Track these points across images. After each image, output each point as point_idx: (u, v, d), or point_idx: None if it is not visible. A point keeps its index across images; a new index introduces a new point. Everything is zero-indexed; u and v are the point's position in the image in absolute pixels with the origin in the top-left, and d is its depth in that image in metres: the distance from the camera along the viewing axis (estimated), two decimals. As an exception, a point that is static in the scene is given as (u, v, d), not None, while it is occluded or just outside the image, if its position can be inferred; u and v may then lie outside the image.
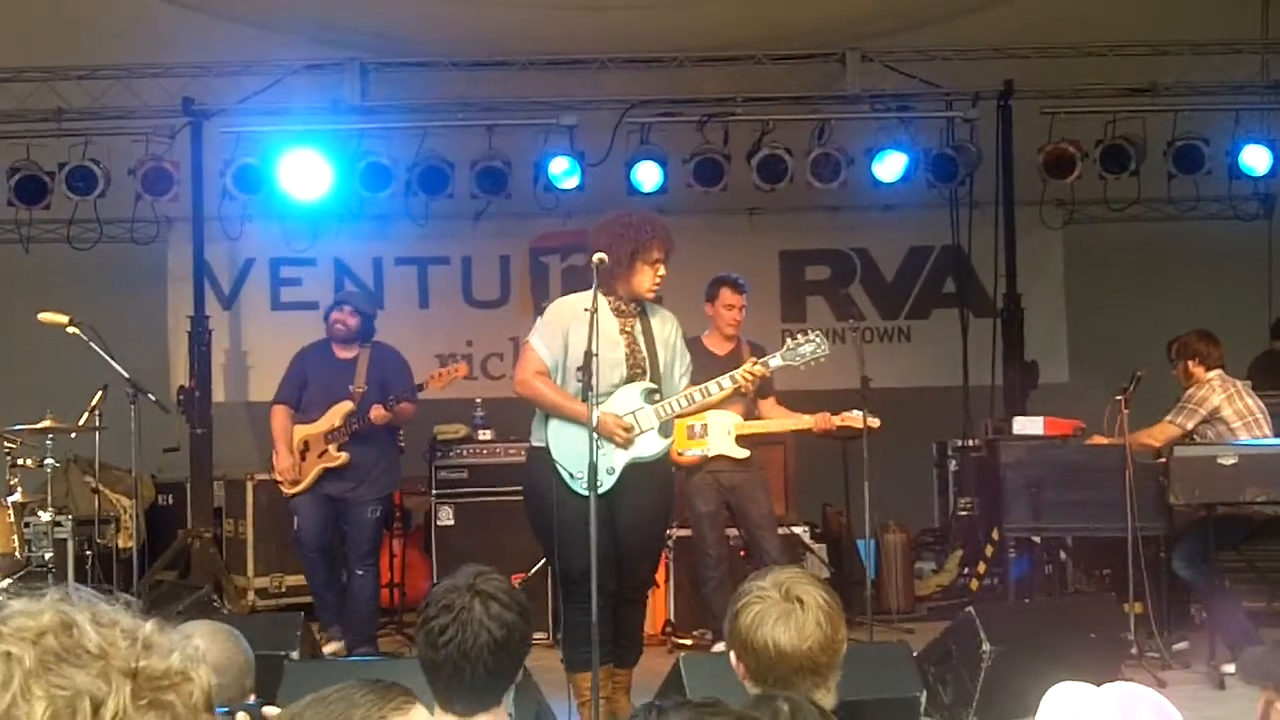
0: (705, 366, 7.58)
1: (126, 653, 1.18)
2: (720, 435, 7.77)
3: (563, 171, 9.54)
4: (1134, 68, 9.59)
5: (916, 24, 9.77)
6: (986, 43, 9.59)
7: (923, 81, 9.70)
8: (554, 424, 5.89)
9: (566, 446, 5.83)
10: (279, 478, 7.92)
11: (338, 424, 7.76)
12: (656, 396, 5.87)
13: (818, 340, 6.03)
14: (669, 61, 9.66)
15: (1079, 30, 9.59)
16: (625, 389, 5.83)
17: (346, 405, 7.78)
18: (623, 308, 5.85)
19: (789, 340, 6.12)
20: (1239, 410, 7.72)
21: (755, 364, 5.93)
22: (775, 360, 6.01)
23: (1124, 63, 9.59)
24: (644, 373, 5.86)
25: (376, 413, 7.66)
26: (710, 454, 7.77)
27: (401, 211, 10.08)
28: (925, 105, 9.85)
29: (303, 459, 7.84)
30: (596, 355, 5.44)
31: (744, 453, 7.74)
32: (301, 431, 7.87)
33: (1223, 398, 7.70)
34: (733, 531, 8.14)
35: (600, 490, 5.66)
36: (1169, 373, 8.06)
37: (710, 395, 5.96)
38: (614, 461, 5.75)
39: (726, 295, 7.82)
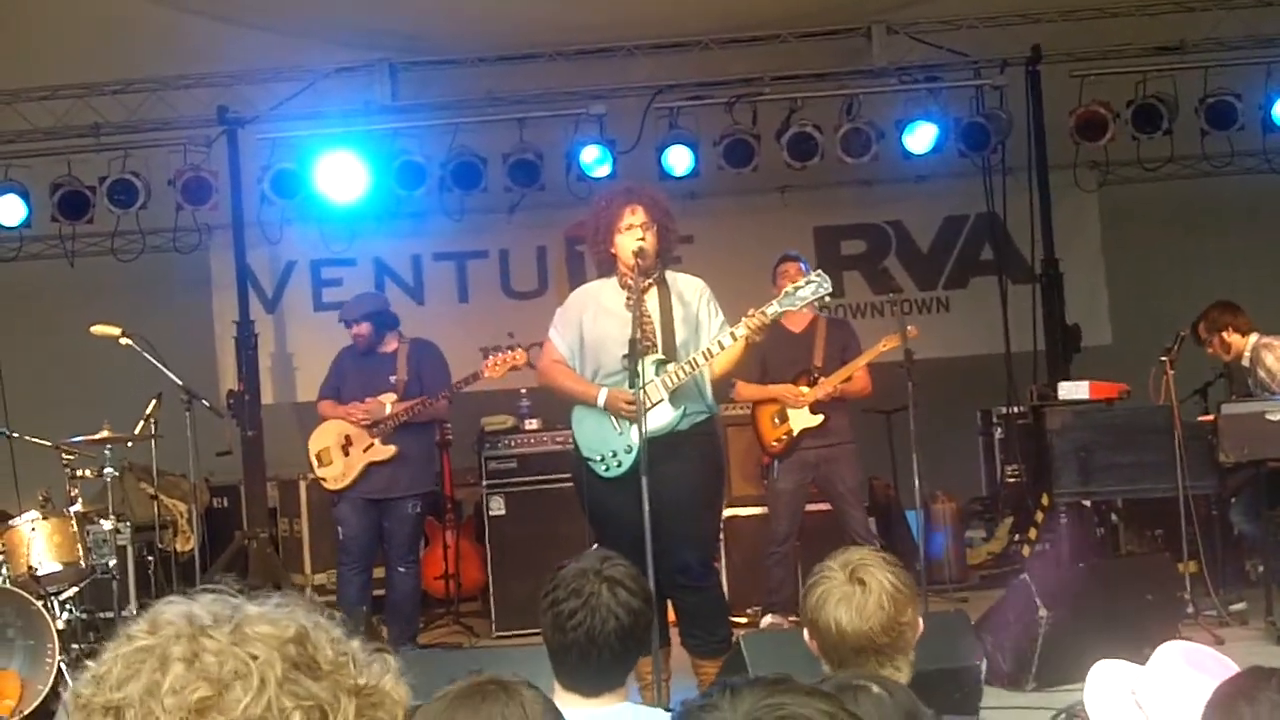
0: (781, 344, 7.73)
1: (352, 670, 1.19)
2: (798, 411, 7.87)
3: (594, 160, 9.58)
4: (1162, 26, 9.54)
5: (941, -8, 9.76)
6: (1012, 8, 9.55)
7: (949, 51, 9.67)
8: (576, 412, 5.93)
9: (586, 431, 5.88)
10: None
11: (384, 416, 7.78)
12: (668, 368, 5.74)
13: (818, 280, 5.69)
14: (695, 45, 9.68)
15: (1105, -9, 9.55)
16: (643, 363, 5.64)
17: (390, 397, 7.82)
18: (632, 283, 5.73)
19: (788, 285, 5.83)
20: None
21: (754, 314, 5.58)
22: (774, 307, 5.63)
23: (1152, 21, 9.53)
24: (654, 345, 5.76)
25: (389, 401, 7.72)
26: (795, 433, 7.87)
27: (437, 208, 10.16)
28: (953, 75, 9.83)
29: (345, 454, 7.86)
30: (638, 343, 5.51)
31: (818, 418, 7.83)
32: (341, 427, 7.90)
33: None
34: (816, 506, 8.20)
35: (620, 470, 5.72)
36: (1204, 346, 8.06)
37: (715, 355, 5.68)
38: (630, 439, 5.66)
39: (783, 269, 7.89)
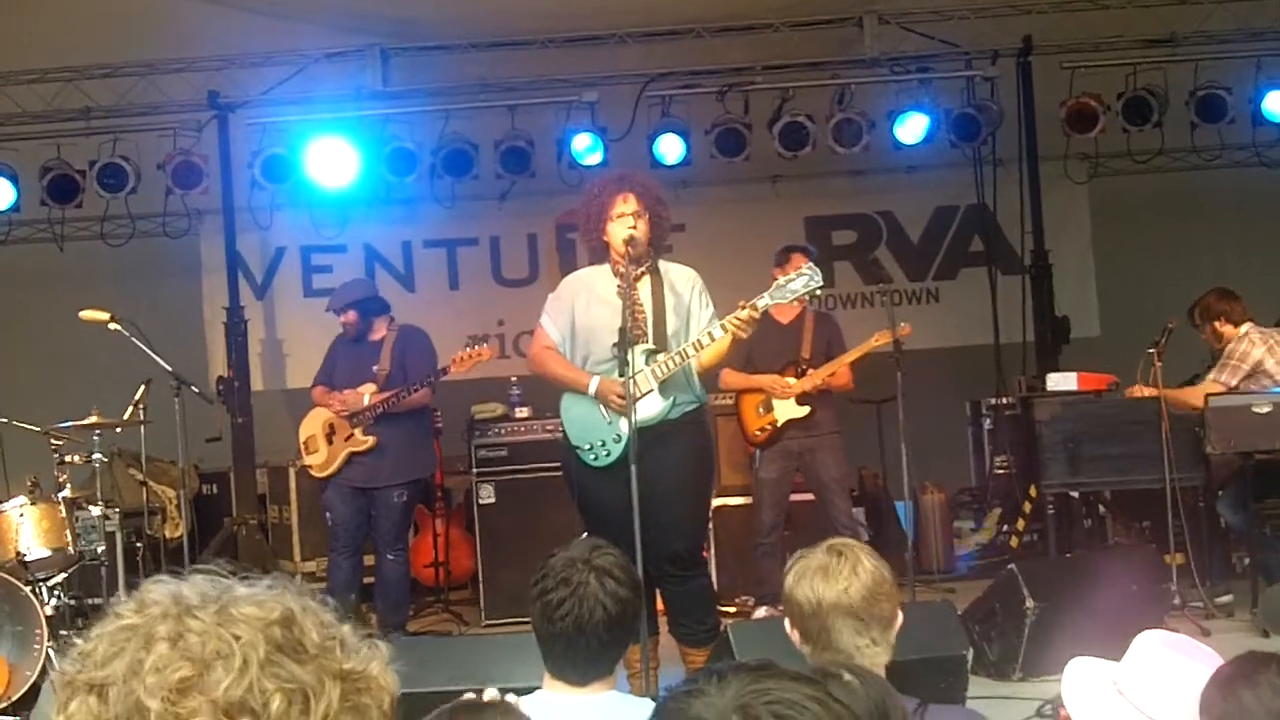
0: (769, 335, 7.73)
1: (339, 655, 1.20)
2: (783, 402, 7.86)
3: (586, 148, 9.59)
4: (1153, 19, 9.57)
5: (933, -17, 9.76)
6: (1003, 0, 9.57)
7: (941, 42, 9.69)
8: (566, 400, 5.93)
9: (574, 420, 5.87)
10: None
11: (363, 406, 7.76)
12: (658, 359, 5.72)
13: (809, 274, 5.61)
14: (687, 33, 9.68)
15: (1097, -17, 9.57)
16: (634, 352, 5.65)
17: (370, 388, 7.79)
18: (624, 270, 5.70)
19: (780, 277, 5.77)
20: None
21: (743, 306, 5.53)
22: (764, 300, 5.55)
23: (1143, 14, 9.56)
24: (645, 335, 5.74)
25: (368, 392, 7.72)
26: (780, 424, 7.87)
27: (428, 194, 10.15)
28: (944, 65, 9.84)
29: (329, 443, 7.86)
30: (629, 332, 5.52)
31: (804, 409, 7.82)
32: (327, 415, 7.91)
33: (1263, 350, 7.69)
34: (802, 496, 8.20)
35: (609, 459, 5.71)
36: (1197, 333, 8.08)
37: (704, 346, 5.65)
38: (619, 429, 5.65)
39: (797, 261, 7.74)
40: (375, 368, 7.86)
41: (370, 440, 7.72)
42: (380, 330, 7.98)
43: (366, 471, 7.78)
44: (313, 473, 8.02)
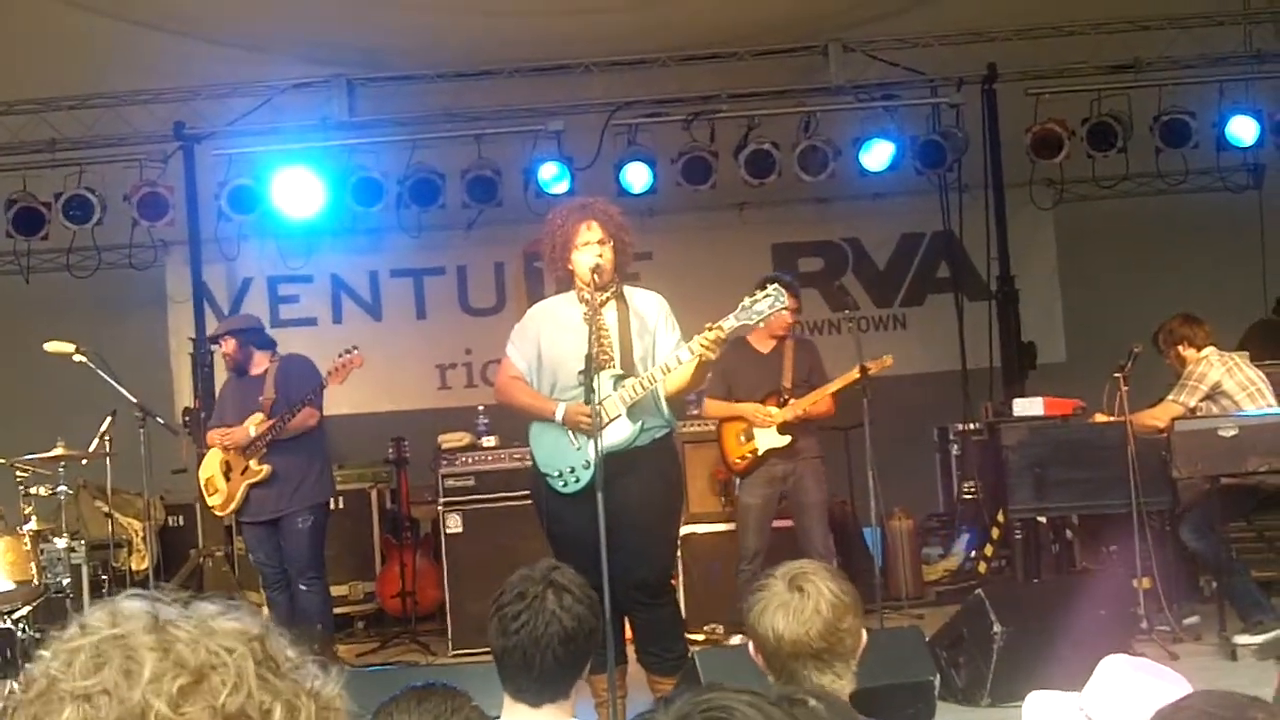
0: (749, 365, 7.71)
1: (308, 674, 1.23)
2: (764, 431, 7.84)
3: (552, 177, 9.60)
4: (1117, 44, 9.66)
5: (897, 11, 9.82)
6: (968, 27, 9.64)
7: (906, 69, 9.76)
8: (534, 428, 5.91)
9: (543, 447, 5.85)
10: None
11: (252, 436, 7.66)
12: (626, 384, 5.68)
13: (774, 294, 5.52)
14: (653, 62, 9.73)
15: (1060, 10, 9.65)
16: (601, 378, 5.60)
17: (257, 417, 7.65)
18: (589, 298, 5.70)
19: (745, 299, 5.64)
20: (1240, 382, 7.74)
21: (710, 328, 5.46)
22: (729, 321, 5.48)
23: (1106, 40, 9.65)
24: (611, 360, 5.70)
25: (254, 423, 7.60)
26: (760, 453, 7.84)
27: (395, 224, 10.14)
28: (909, 93, 9.92)
29: (227, 480, 7.74)
30: (594, 359, 5.51)
31: (785, 439, 7.79)
32: (222, 455, 7.77)
33: (1222, 371, 7.72)
34: (782, 523, 8.15)
35: (578, 486, 5.67)
36: (1163, 358, 8.12)
37: (671, 371, 5.60)
38: (588, 455, 5.58)
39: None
40: (261, 398, 7.75)
41: (266, 469, 7.60)
42: (263, 363, 7.82)
43: (268, 501, 7.66)
44: (215, 513, 7.96)
